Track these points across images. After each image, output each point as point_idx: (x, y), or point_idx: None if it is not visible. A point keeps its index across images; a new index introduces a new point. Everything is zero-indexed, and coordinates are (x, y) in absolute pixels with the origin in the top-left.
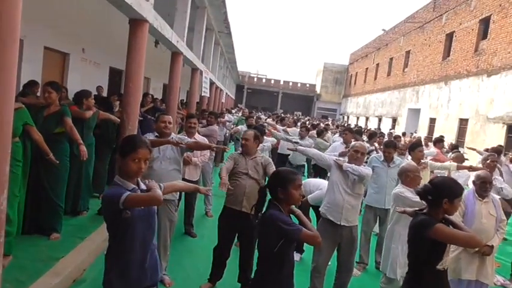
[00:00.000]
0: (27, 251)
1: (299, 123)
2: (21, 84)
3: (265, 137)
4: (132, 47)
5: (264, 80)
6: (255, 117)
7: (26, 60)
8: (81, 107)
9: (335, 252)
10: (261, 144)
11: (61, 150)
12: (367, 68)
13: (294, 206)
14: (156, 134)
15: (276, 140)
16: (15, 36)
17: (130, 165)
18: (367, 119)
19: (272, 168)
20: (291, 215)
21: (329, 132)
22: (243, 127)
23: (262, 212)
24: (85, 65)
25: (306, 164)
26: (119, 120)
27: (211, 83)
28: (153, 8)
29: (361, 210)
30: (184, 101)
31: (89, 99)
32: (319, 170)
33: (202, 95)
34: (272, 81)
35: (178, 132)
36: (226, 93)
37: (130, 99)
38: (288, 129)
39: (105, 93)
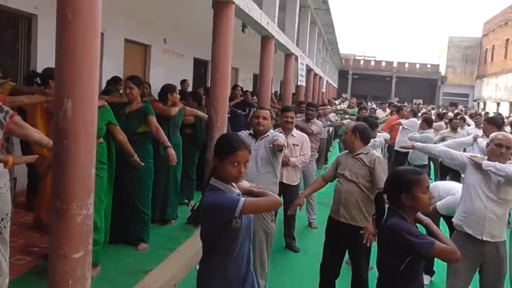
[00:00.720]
0: (114, 262)
1: (420, 114)
2: (103, 80)
3: (377, 132)
4: (218, 34)
5: (372, 63)
6: (368, 109)
7: (106, 55)
8: (165, 103)
9: (476, 276)
10: (372, 140)
11: (144, 151)
12: (507, 40)
13: (420, 214)
14: (250, 131)
15: (388, 135)
16: (96, 29)
17: (229, 169)
18: None
19: (380, 168)
20: (417, 224)
21: (468, 120)
22: (349, 120)
23: (382, 222)
24: (167, 57)
25: (430, 163)
26: (206, 116)
27: (309, 70)
28: None
29: (509, 222)
30: (278, 92)
31: (174, 94)
32: (448, 171)
33: (298, 84)
34: (383, 64)
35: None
36: (327, 81)
37: (218, 92)
38: (404, 121)
39: (190, 88)
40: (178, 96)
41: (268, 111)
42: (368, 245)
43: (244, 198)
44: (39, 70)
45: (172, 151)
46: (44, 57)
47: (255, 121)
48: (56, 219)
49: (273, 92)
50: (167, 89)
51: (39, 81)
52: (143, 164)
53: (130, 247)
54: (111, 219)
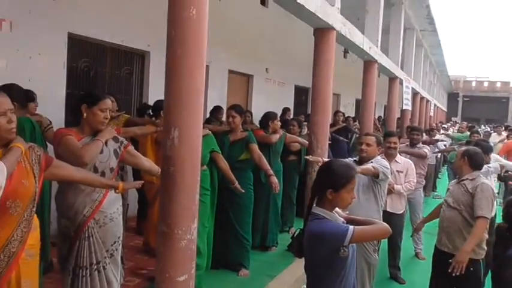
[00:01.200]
0: (216, 287)
1: None
2: (208, 110)
3: (492, 155)
4: (319, 60)
5: (486, 84)
6: (482, 133)
7: (211, 86)
8: (267, 130)
9: None
10: (485, 166)
11: (245, 178)
12: None
13: None
14: (355, 158)
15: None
16: (202, 62)
17: (345, 197)
18: None
19: (482, 195)
20: None
21: None
22: (457, 146)
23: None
24: (269, 86)
25: None
26: (307, 143)
27: (415, 93)
28: (339, 13)
29: None
30: (382, 117)
31: (275, 121)
32: None
33: (404, 108)
34: (498, 84)
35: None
36: (435, 105)
37: (319, 118)
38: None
39: (291, 116)
40: (279, 123)
41: (373, 138)
42: (453, 274)
43: (352, 227)
44: (151, 103)
45: (275, 179)
46: (155, 91)
47: (358, 147)
48: (162, 243)
49: (377, 117)
50: (268, 117)
51: (151, 113)
52: (244, 190)
53: (231, 272)
54: (213, 244)
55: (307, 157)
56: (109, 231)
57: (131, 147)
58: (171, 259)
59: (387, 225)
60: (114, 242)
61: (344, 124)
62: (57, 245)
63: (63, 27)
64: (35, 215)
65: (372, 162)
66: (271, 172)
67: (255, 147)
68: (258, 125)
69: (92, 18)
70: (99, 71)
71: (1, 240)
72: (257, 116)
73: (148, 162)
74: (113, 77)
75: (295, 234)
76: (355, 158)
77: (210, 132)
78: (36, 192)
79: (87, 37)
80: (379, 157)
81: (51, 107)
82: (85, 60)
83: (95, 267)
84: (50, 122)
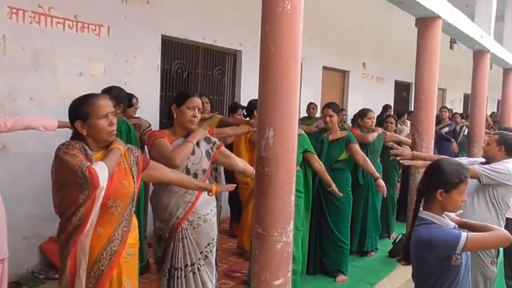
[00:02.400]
0: None
1: None
2: (302, 108)
3: None
4: (422, 53)
5: None
6: None
7: (305, 83)
8: (362, 129)
9: None
10: None
11: (343, 180)
12: None
13: None
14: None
15: None
16: (297, 59)
17: (456, 199)
18: None
19: None
20: None
21: None
22: None
23: None
24: (367, 82)
25: None
26: (409, 141)
27: None
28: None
29: None
30: (496, 113)
31: (365, 119)
32: None
33: None
34: None
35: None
36: None
37: (423, 115)
38: None
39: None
40: (372, 120)
41: (495, 136)
42: None
43: (465, 233)
44: (243, 103)
45: (382, 182)
46: (247, 90)
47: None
48: (258, 245)
49: (490, 113)
50: (358, 114)
51: (245, 113)
52: (342, 194)
53: (328, 278)
54: (308, 248)
55: (394, 151)
56: (203, 233)
57: (224, 148)
58: (267, 262)
59: (506, 232)
60: (208, 244)
61: (450, 121)
62: (153, 247)
63: (157, 30)
64: (134, 215)
65: (483, 163)
66: (378, 175)
67: (356, 147)
68: (350, 124)
69: (185, 19)
70: (192, 72)
71: (104, 239)
72: (353, 113)
73: (241, 163)
74: (206, 78)
75: (397, 240)
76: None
77: (303, 131)
78: (134, 192)
79: (180, 38)
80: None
81: (146, 110)
82: (178, 61)
83: (190, 268)
84: (150, 125)
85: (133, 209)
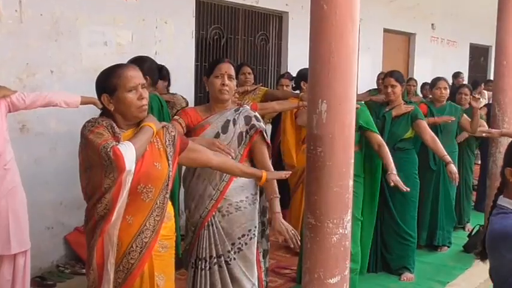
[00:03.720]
0: None
1: None
2: (359, 78)
3: None
4: (505, 11)
5: None
6: None
7: (363, 48)
8: (433, 103)
9: None
10: None
11: (409, 162)
12: None
13: None
14: None
15: None
16: (354, 19)
17: None
18: None
19: None
20: None
21: None
22: None
23: None
24: (436, 46)
25: None
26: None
27: None
28: None
29: None
30: None
31: (433, 89)
32: None
33: None
34: None
35: None
36: None
37: (505, 83)
38: None
39: (465, 81)
40: (443, 92)
41: None
42: None
43: None
44: (290, 72)
45: (453, 168)
46: (295, 58)
47: None
48: (310, 237)
49: None
50: (430, 84)
51: (294, 85)
52: (407, 185)
53: (391, 276)
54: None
55: (481, 129)
56: (235, 222)
57: (259, 136)
58: (321, 257)
59: None
60: (243, 236)
61: None
62: (184, 237)
63: None
64: (170, 203)
65: None
66: (449, 159)
67: (424, 124)
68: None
69: None
70: (231, 39)
71: (134, 229)
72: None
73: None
74: (247, 45)
75: (474, 232)
76: None
77: (361, 104)
78: (169, 176)
79: (218, 0)
80: None
81: (179, 83)
82: (215, 27)
83: (215, 260)
84: (187, 103)
85: (168, 195)
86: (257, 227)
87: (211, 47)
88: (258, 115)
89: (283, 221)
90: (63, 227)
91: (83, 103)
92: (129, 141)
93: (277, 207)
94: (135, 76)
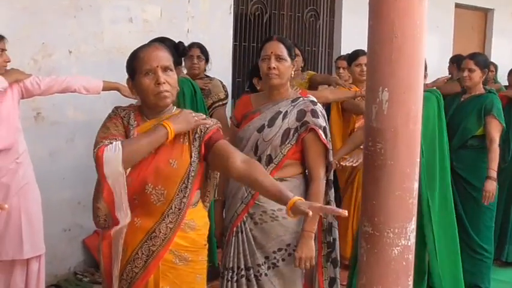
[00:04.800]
0: None
1: None
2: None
3: None
4: None
5: None
6: None
7: (431, 27)
8: None
9: None
10: None
11: (483, 161)
12: None
13: None
14: None
15: None
16: None
17: None
18: None
19: None
20: None
21: None
22: None
23: None
24: None
25: None
26: None
27: None
28: None
29: None
30: None
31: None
32: None
33: None
34: None
35: None
36: None
37: None
38: None
39: None
40: None
41: None
42: None
43: None
44: (344, 53)
45: (489, 186)
46: (349, 37)
47: None
48: (367, 249)
49: None
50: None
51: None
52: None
53: None
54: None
55: None
56: (270, 233)
57: (312, 135)
58: (379, 272)
59: None
60: (279, 250)
61: None
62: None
63: None
64: (201, 212)
65: None
66: (494, 175)
67: (495, 123)
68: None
69: None
70: (275, 15)
71: (141, 233)
72: (502, 68)
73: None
74: (294, 22)
75: None
76: None
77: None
78: (189, 177)
79: None
80: None
81: (215, 65)
82: (257, 1)
83: (242, 272)
84: (226, 94)
85: (187, 200)
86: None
87: (252, 24)
88: (318, 109)
89: (310, 244)
90: (82, 229)
91: (105, 89)
92: (128, 140)
93: (309, 225)
94: (152, 57)
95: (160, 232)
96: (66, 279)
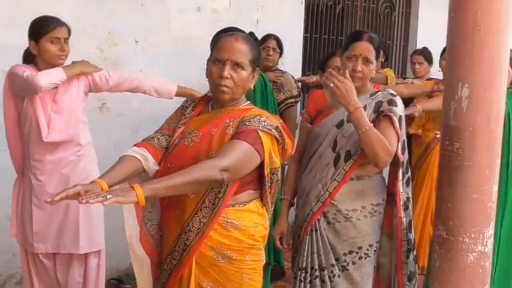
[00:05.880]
0: None
1: None
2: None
3: None
4: None
5: None
6: None
7: None
8: None
9: None
10: None
11: None
12: None
13: None
14: None
15: None
16: None
17: None
18: None
19: None
20: None
21: None
22: None
23: None
24: None
25: None
26: None
27: None
28: None
29: None
30: None
31: None
32: None
33: None
34: None
35: None
36: None
37: None
38: None
39: None
40: None
41: None
42: None
43: None
44: (420, 47)
45: None
46: (427, 30)
47: None
48: (440, 254)
49: None
50: None
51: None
52: None
53: None
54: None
55: None
56: (342, 235)
57: (385, 121)
58: (453, 279)
59: None
60: (350, 252)
61: None
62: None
63: None
64: (255, 210)
65: None
66: None
67: None
68: None
69: None
70: (348, 5)
71: (179, 226)
72: None
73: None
74: (367, 13)
75: None
76: None
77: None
78: None
79: None
80: None
81: (285, 57)
82: None
83: (316, 273)
84: (299, 90)
85: (223, 195)
86: (376, 246)
87: (324, 15)
88: (397, 99)
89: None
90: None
91: (178, 94)
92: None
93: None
94: (229, 49)
95: (194, 226)
96: (127, 274)
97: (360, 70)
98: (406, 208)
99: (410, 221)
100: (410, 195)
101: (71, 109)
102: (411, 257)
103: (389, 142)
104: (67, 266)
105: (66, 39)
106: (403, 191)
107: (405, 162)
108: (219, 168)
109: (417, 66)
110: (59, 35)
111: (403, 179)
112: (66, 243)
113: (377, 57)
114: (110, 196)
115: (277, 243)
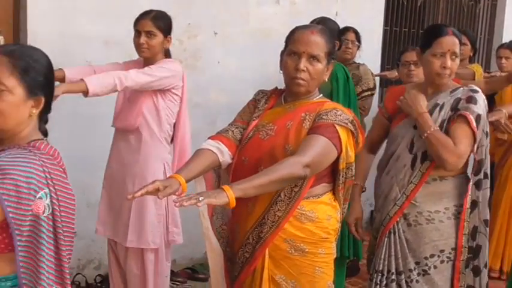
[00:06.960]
0: None
1: None
2: None
3: None
4: None
5: None
6: None
7: None
8: None
9: None
10: None
11: None
12: None
13: None
14: None
15: None
16: None
17: None
18: None
19: None
20: None
21: None
22: None
23: None
24: None
25: None
26: None
27: None
28: None
29: None
30: None
31: None
32: None
33: None
34: None
35: None
36: None
37: None
38: None
39: None
40: None
41: None
42: None
43: None
44: (506, 40)
45: None
46: None
47: None
48: None
49: None
50: None
51: None
52: None
53: None
54: None
55: None
56: (424, 237)
57: (460, 121)
58: None
59: None
60: (432, 256)
61: None
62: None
63: None
64: (329, 203)
65: None
66: None
67: None
68: None
69: None
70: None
71: (252, 219)
72: None
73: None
74: (451, 5)
75: None
76: None
77: None
78: None
79: None
80: None
81: (363, 50)
82: None
83: (393, 277)
84: (375, 84)
85: (303, 190)
86: (457, 250)
87: (405, 8)
88: (478, 96)
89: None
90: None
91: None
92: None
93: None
94: (306, 41)
95: (268, 219)
96: (201, 264)
97: (450, 67)
98: (471, 212)
99: (475, 227)
100: (480, 200)
101: (133, 99)
102: (471, 267)
103: (460, 142)
104: (125, 256)
105: (149, 33)
106: (471, 193)
107: (480, 163)
108: (302, 165)
109: (503, 60)
110: (139, 27)
111: (472, 180)
112: (120, 232)
113: (460, 50)
114: (202, 198)
115: (352, 229)
